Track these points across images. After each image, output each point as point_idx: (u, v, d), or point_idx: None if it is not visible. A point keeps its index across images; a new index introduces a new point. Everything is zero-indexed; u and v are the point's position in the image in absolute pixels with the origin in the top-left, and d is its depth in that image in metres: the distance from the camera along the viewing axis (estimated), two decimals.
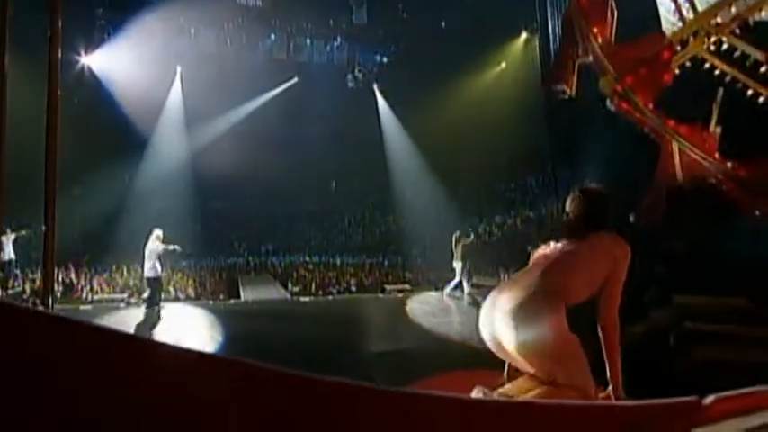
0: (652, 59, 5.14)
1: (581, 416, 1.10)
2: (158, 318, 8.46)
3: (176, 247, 8.80)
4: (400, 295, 12.47)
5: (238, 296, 12.31)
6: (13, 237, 11.31)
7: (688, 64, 5.65)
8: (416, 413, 0.75)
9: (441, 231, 19.84)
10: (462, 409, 0.87)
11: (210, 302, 10.98)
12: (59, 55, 3.64)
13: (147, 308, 8.63)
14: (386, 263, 16.65)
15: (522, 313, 2.02)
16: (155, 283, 8.65)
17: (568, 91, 5.88)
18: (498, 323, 2.08)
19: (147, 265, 8.43)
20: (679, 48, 5.59)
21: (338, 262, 16.35)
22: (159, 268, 8.56)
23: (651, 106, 5.05)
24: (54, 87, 3.41)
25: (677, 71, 5.37)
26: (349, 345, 6.70)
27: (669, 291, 7.41)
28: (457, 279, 10.74)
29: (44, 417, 0.54)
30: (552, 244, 2.31)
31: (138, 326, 8.02)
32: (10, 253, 11.13)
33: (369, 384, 0.67)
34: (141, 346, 0.58)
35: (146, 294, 8.87)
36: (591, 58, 5.42)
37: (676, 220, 8.55)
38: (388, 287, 13.16)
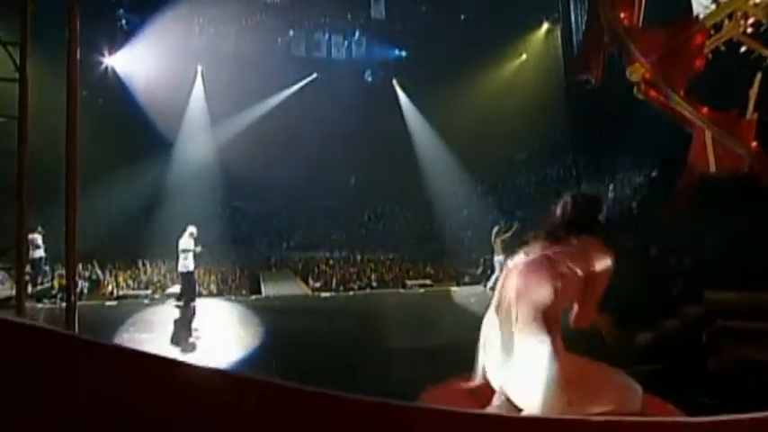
0: (683, 44, 4.90)
1: None
2: (193, 313, 8.57)
3: (197, 248, 8.85)
4: (422, 291, 12.39)
5: (259, 292, 12.39)
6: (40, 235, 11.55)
7: (722, 48, 5.39)
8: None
9: (461, 226, 19.73)
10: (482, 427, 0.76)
11: (233, 298, 11.06)
12: (78, 56, 3.65)
13: (180, 303, 8.76)
14: (406, 258, 16.58)
15: (515, 363, 1.86)
16: (188, 278, 8.73)
17: (593, 80, 5.67)
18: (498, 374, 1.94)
19: (181, 261, 8.60)
20: (713, 32, 5.33)
21: (358, 258, 16.33)
22: (191, 264, 8.65)
23: (682, 93, 4.83)
24: (73, 88, 3.44)
25: (710, 56, 5.11)
26: (390, 341, 6.67)
27: (699, 286, 7.18)
28: (497, 273, 10.64)
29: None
30: (522, 254, 2.09)
31: (175, 321, 8.14)
32: (41, 250, 11.37)
33: (386, 401, 0.60)
34: (157, 363, 0.52)
35: (178, 289, 8.99)
36: (618, 45, 5.22)
37: (706, 212, 8.28)
38: (409, 282, 13.09)
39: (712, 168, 5.19)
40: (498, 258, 10.51)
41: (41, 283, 11.47)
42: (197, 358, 5.93)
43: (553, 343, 1.86)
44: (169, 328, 7.83)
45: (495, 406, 1.93)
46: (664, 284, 8.45)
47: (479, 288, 12.51)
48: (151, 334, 7.36)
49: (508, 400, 1.89)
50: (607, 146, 14.35)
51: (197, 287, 9.64)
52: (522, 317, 1.90)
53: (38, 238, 11.40)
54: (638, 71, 4.82)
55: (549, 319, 1.89)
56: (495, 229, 10.83)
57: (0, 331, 0.51)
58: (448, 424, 0.69)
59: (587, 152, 16.21)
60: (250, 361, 5.70)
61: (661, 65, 4.75)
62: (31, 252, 11.06)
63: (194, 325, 7.89)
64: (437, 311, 9.72)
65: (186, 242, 8.63)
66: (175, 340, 7.01)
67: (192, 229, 8.76)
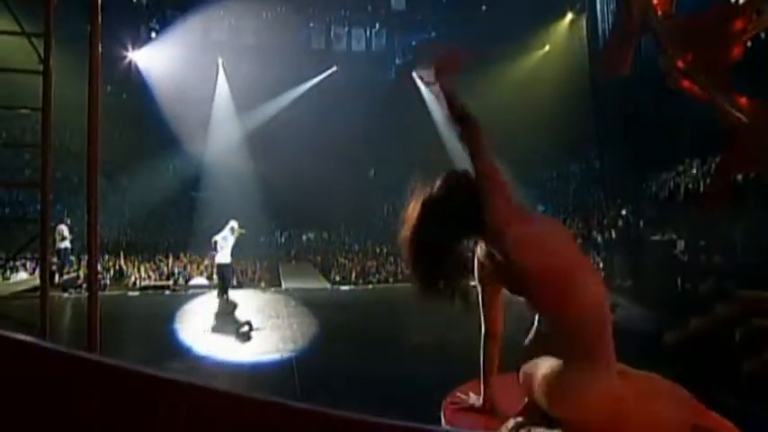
0: (720, 32, 4.65)
1: None
2: (227, 303, 8.81)
3: (236, 234, 9.19)
4: None
5: (279, 285, 12.45)
6: (66, 227, 11.78)
7: (763, 35, 5.12)
8: None
9: None
10: None
11: (252, 291, 11.13)
12: (100, 49, 3.64)
13: (219, 294, 9.09)
14: None
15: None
16: (224, 269, 9.10)
17: (623, 72, 5.44)
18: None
19: (220, 252, 8.96)
20: (753, 17, 5.06)
21: (378, 251, 16.30)
22: (228, 257, 9.06)
23: (718, 83, 4.58)
24: (95, 81, 3.43)
25: (749, 44, 4.85)
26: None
27: (730, 284, 6.95)
28: None
29: None
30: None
31: (216, 313, 8.32)
32: (67, 241, 11.60)
33: (412, 424, 0.52)
34: (171, 386, 0.46)
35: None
36: (650, 33, 5.00)
37: (739, 209, 8.01)
38: None
39: (749, 164, 4.95)
40: None
41: (68, 273, 11.71)
42: (250, 348, 6.13)
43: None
44: (194, 318, 7.97)
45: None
46: (693, 282, 8.23)
47: None
48: (179, 324, 7.46)
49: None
50: (633, 140, 13.99)
51: (232, 279, 9.94)
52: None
53: (64, 229, 11.64)
54: (670, 61, 4.61)
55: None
56: None
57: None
58: None
59: (612, 146, 15.85)
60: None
61: (696, 53, 4.52)
62: (57, 243, 11.30)
63: (237, 315, 8.03)
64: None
65: (225, 235, 9.00)
66: (218, 330, 7.15)
67: (233, 223, 9.13)
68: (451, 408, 2.01)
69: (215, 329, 7.24)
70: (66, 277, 11.43)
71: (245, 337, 6.62)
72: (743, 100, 4.58)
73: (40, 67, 3.08)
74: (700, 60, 4.40)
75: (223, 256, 8.97)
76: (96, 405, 0.44)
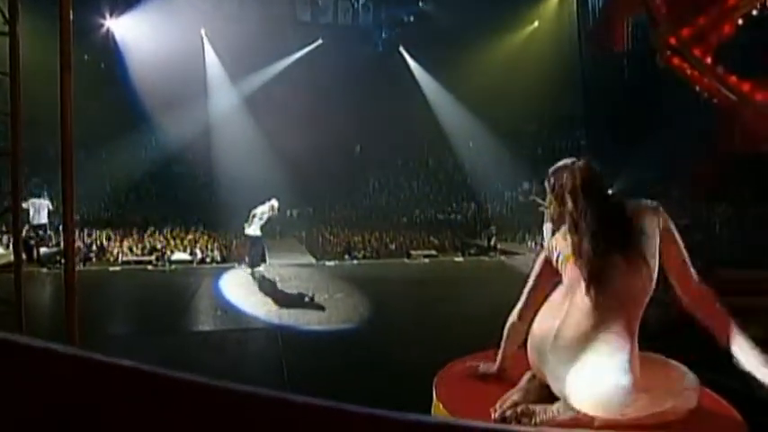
0: (713, 7, 4.56)
1: None
2: (263, 277, 9.13)
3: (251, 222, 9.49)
4: (426, 260, 12.34)
5: (264, 260, 12.35)
6: (42, 202, 11.45)
7: (755, 13, 5.05)
8: None
9: (467, 197, 19.57)
10: None
11: (235, 265, 11.04)
12: (71, 16, 3.45)
13: (250, 268, 9.47)
14: (411, 228, 16.50)
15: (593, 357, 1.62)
16: (254, 242, 9.46)
17: (615, 48, 5.36)
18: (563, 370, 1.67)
19: (254, 226, 9.33)
20: None
21: (363, 226, 16.25)
22: (259, 230, 9.40)
23: (709, 61, 4.53)
24: (66, 47, 3.25)
25: (741, 22, 4.78)
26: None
27: (710, 263, 7.05)
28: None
29: None
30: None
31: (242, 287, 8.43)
32: (42, 217, 11.31)
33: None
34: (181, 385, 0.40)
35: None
36: (643, 8, 4.89)
37: (721, 189, 8.09)
38: (413, 252, 13.01)
39: (737, 144, 4.93)
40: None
41: (49, 247, 11.47)
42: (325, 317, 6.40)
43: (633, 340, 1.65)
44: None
45: (554, 408, 1.71)
46: None
47: (485, 259, 12.48)
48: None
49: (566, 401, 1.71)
50: (621, 118, 14.00)
51: (264, 251, 10.13)
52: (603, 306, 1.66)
53: (41, 202, 11.35)
54: (662, 37, 4.53)
55: (634, 308, 1.68)
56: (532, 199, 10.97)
57: None
58: None
59: (599, 125, 15.87)
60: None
61: (688, 29, 4.45)
62: (32, 217, 11.03)
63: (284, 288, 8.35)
64: (441, 282, 9.67)
65: (264, 210, 9.39)
66: (285, 303, 7.31)
67: (274, 202, 9.57)
68: (444, 384, 2.00)
69: (283, 302, 7.34)
70: (45, 251, 11.20)
71: (317, 307, 6.88)
72: (733, 78, 4.55)
73: (5, 28, 2.90)
74: (691, 37, 4.34)
75: (255, 229, 9.31)
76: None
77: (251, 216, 9.45)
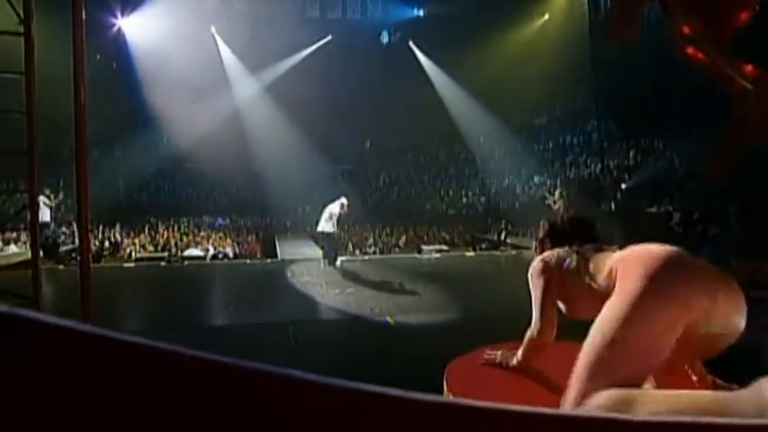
0: None
1: None
2: (336, 268, 9.21)
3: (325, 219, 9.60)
4: (438, 255, 12.33)
5: (275, 255, 12.45)
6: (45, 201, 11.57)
7: None
8: None
9: (478, 192, 19.50)
10: None
11: (247, 261, 11.13)
12: (83, 14, 3.48)
13: (325, 262, 9.58)
14: (422, 223, 16.50)
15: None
16: (329, 237, 9.63)
17: (627, 39, 5.26)
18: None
19: (327, 224, 9.50)
20: None
21: (374, 222, 16.29)
22: (334, 227, 9.55)
23: (724, 50, 4.43)
24: (79, 47, 3.28)
25: (758, 7, 4.67)
26: None
27: (725, 254, 6.97)
28: None
29: None
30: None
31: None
32: (44, 216, 11.41)
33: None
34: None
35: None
36: None
37: (735, 181, 7.99)
38: (424, 248, 13.02)
39: (751, 137, 4.84)
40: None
41: (67, 245, 11.64)
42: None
43: None
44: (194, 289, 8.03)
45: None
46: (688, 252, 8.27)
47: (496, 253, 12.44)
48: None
49: None
50: (633, 111, 13.83)
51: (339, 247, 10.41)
52: None
53: (41, 200, 11.40)
54: (676, 26, 4.42)
55: None
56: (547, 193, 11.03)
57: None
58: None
59: (611, 118, 15.70)
60: None
61: (702, 17, 4.34)
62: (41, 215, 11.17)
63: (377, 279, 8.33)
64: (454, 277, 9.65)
65: (333, 209, 9.56)
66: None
67: (343, 200, 9.73)
68: (455, 376, 2.01)
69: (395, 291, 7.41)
70: (64, 249, 11.37)
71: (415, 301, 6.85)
72: (749, 68, 4.44)
73: (21, 29, 2.94)
74: (707, 25, 4.22)
75: (330, 226, 9.51)
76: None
77: (324, 213, 9.68)
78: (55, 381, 0.39)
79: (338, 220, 9.60)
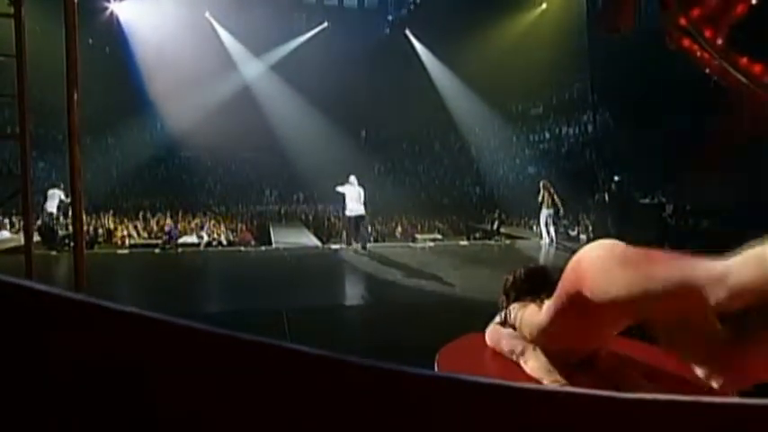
0: None
1: None
2: (364, 254, 9.17)
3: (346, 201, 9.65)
4: (432, 244, 12.36)
5: (270, 243, 12.44)
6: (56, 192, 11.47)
7: None
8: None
9: (472, 182, 19.52)
10: None
11: (242, 249, 11.12)
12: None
13: (349, 245, 9.60)
14: (416, 213, 16.52)
15: None
16: (357, 221, 9.61)
17: (624, 29, 5.23)
18: None
19: (359, 205, 9.52)
20: None
21: (368, 211, 16.28)
22: (362, 208, 9.56)
23: (720, 42, 4.42)
24: (72, 32, 3.24)
25: (754, 1, 4.64)
26: None
27: (716, 248, 7.01)
28: (543, 227, 10.82)
29: None
30: None
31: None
32: (51, 206, 11.33)
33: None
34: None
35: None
36: None
37: (728, 174, 8.02)
38: (419, 237, 13.05)
39: (746, 129, 4.86)
40: (546, 212, 10.60)
41: (62, 230, 11.54)
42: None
43: None
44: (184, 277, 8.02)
45: None
46: (680, 245, 8.34)
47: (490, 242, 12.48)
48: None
49: None
50: (629, 102, 13.83)
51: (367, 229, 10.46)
52: None
53: (53, 192, 11.30)
54: (671, 18, 4.43)
55: None
56: (542, 182, 10.99)
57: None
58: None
59: (607, 109, 15.69)
60: None
61: (698, 9, 4.34)
62: (45, 205, 11.09)
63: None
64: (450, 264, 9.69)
65: (356, 189, 9.53)
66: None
67: (352, 178, 9.72)
68: (446, 361, 2.02)
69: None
70: (62, 233, 11.27)
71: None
72: (744, 60, 4.44)
73: (10, 10, 2.90)
74: (703, 17, 4.23)
75: (362, 207, 9.48)
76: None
77: (351, 194, 9.56)
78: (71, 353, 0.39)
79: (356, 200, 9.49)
